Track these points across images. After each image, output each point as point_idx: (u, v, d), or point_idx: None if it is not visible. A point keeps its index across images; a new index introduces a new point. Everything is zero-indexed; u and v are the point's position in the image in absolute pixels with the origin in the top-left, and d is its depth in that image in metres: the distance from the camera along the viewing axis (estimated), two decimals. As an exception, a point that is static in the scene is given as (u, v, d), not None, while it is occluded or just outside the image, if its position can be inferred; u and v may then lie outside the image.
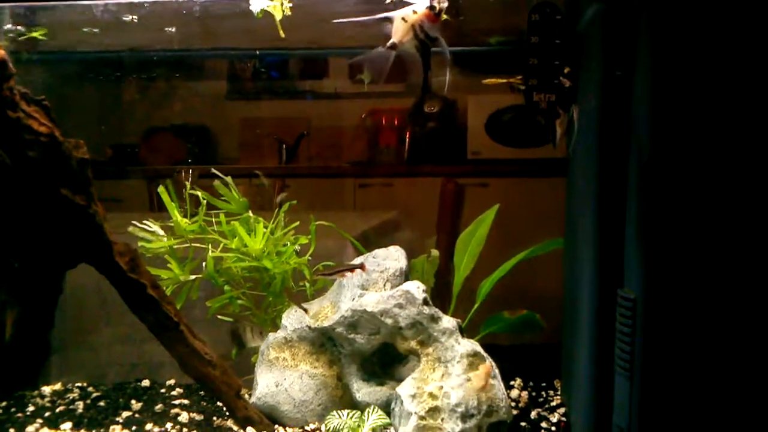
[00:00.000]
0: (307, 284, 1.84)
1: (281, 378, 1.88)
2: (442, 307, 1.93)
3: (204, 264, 1.83)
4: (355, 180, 4.61)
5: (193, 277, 1.78)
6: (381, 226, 3.62)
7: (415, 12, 1.49)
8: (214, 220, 1.86)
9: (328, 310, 1.71)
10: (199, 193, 1.90)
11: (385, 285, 1.65)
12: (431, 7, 1.47)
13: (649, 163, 1.38)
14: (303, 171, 4.78)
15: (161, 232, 1.87)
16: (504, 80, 1.67)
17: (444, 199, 3.44)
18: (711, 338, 1.38)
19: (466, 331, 1.83)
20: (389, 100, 4.80)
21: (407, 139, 4.70)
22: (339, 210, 4.45)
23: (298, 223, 2.05)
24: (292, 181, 4.44)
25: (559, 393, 2.42)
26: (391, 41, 1.50)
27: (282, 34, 1.74)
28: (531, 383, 2.49)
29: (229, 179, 1.90)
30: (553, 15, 1.47)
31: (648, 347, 1.39)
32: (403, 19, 1.50)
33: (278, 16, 1.71)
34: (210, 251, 1.80)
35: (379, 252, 1.76)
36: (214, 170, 1.94)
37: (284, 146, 4.87)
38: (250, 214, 1.81)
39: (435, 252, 1.92)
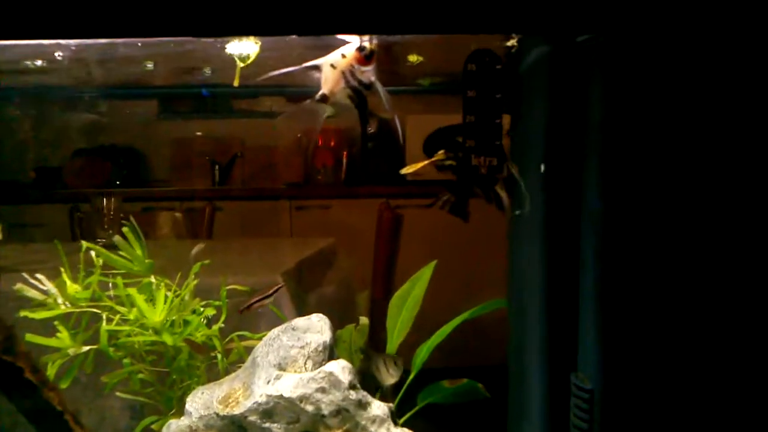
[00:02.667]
0: (219, 356, 1.55)
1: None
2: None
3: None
4: (291, 202, 4.34)
5: (86, 348, 1.46)
6: (317, 256, 3.33)
7: (344, 56, 1.22)
8: (111, 285, 1.55)
9: (239, 393, 1.41)
10: (93, 253, 1.58)
11: (306, 363, 1.36)
12: (361, 48, 1.20)
13: (605, 228, 1.13)
14: (237, 193, 4.49)
15: (54, 291, 1.55)
16: (425, 162, 1.38)
17: (380, 229, 3.18)
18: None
19: (402, 403, 1.56)
20: (325, 120, 4.55)
21: (344, 160, 4.45)
22: (274, 235, 4.17)
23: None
24: (225, 204, 4.14)
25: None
26: (320, 93, 1.22)
27: (237, 83, 1.43)
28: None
29: (130, 237, 1.59)
30: (492, 64, 1.20)
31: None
32: (332, 65, 1.22)
33: (240, 66, 1.41)
34: (104, 322, 1.49)
35: (300, 323, 1.47)
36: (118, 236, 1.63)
37: (217, 167, 4.58)
38: (153, 279, 1.50)
39: (364, 320, 1.65)
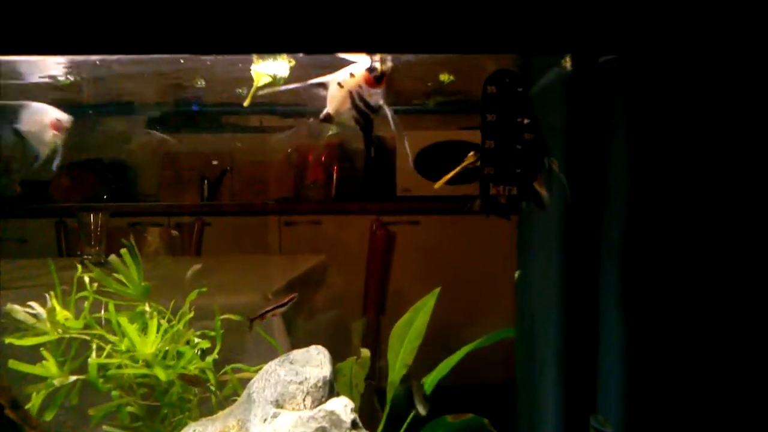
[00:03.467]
0: (213, 389, 1.46)
1: None
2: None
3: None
4: (280, 217, 4.24)
5: (73, 378, 1.38)
6: (308, 274, 3.24)
7: (352, 75, 1.14)
8: (102, 313, 1.47)
9: (234, 432, 1.33)
10: (87, 278, 1.49)
11: (304, 400, 1.28)
12: (371, 69, 1.12)
13: (629, 263, 1.06)
14: (226, 208, 4.40)
15: (44, 315, 1.47)
16: (458, 169, 1.26)
17: (373, 247, 3.10)
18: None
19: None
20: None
21: (335, 176, 4.37)
22: (263, 251, 4.07)
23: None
24: (214, 219, 4.05)
25: None
26: (325, 112, 1.14)
27: (247, 103, 1.34)
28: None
29: (128, 260, 1.51)
30: (513, 86, 1.11)
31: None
32: (339, 84, 1.14)
33: (258, 83, 1.31)
34: (94, 353, 1.41)
35: (298, 356, 1.39)
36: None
37: (206, 182, 4.48)
38: (147, 307, 1.41)
39: (366, 352, 1.56)
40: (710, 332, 1.09)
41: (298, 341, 2.58)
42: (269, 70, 1.31)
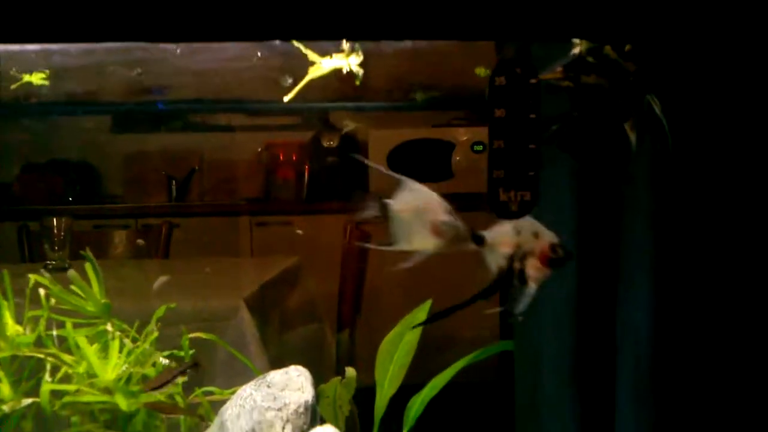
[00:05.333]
0: (182, 417, 1.30)
1: None
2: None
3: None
4: (251, 218, 4.08)
5: (28, 401, 1.21)
6: (281, 276, 3.08)
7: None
8: (55, 331, 1.31)
9: (206, 465, 1.18)
10: (42, 291, 1.33)
11: (284, 428, 1.14)
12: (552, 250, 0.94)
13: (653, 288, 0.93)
14: (195, 209, 4.22)
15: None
16: None
17: (348, 248, 2.95)
18: None
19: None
20: (286, 133, 4.31)
21: (306, 175, 4.21)
22: (234, 253, 3.91)
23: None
24: (183, 221, 3.87)
25: None
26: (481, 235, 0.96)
27: (289, 98, 1.19)
28: None
29: (89, 271, 1.34)
30: (526, 78, 0.96)
31: None
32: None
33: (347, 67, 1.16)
34: (47, 375, 1.24)
35: (276, 378, 1.24)
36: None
37: (174, 182, 4.30)
38: (109, 327, 1.25)
39: (351, 372, 1.41)
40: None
41: (273, 349, 2.43)
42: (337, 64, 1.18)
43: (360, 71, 1.23)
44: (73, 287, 1.35)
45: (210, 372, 1.77)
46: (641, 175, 1.04)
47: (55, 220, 3.00)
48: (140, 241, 3.30)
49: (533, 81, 0.94)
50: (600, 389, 1.07)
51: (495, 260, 0.98)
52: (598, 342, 1.05)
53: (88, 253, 1.36)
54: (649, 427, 0.95)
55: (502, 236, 0.99)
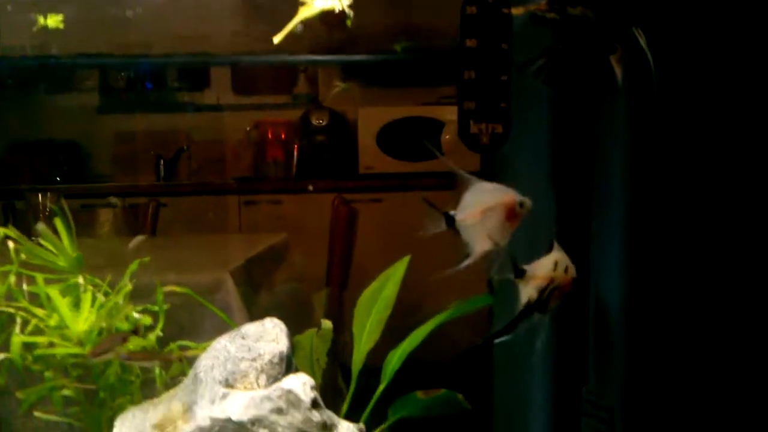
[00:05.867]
0: (157, 370, 1.27)
1: None
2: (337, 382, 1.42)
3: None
4: (240, 197, 4.04)
5: (0, 356, 1.19)
6: (268, 252, 3.06)
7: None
8: (25, 286, 1.28)
9: (178, 416, 1.14)
10: (10, 243, 1.30)
11: (258, 378, 1.11)
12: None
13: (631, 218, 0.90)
14: (183, 188, 4.18)
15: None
16: None
17: (336, 223, 2.93)
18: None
19: (372, 415, 1.32)
20: (275, 111, 4.27)
21: (295, 154, 4.18)
22: (222, 232, 3.88)
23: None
24: (170, 200, 3.83)
25: None
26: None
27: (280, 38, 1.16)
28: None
29: (60, 226, 1.31)
30: (497, 7, 0.93)
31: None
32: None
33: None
34: (18, 328, 1.21)
35: (250, 330, 1.21)
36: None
37: (162, 162, 4.26)
38: (81, 280, 1.22)
39: (327, 324, 1.39)
40: (719, 290, 0.95)
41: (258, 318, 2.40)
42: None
43: (351, 12, 1.20)
44: (42, 241, 1.32)
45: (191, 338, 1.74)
46: (622, 114, 1.02)
47: (40, 196, 2.98)
48: (113, 199, 3.27)
49: (505, 11, 0.91)
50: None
51: (527, 292, 0.96)
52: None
53: (57, 207, 1.33)
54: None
55: (541, 270, 0.97)
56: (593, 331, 0.99)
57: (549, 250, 0.99)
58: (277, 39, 1.27)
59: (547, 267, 0.97)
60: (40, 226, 1.32)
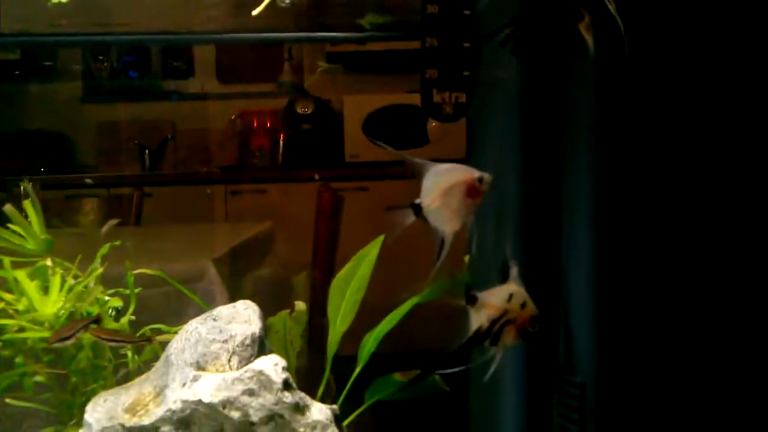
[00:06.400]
0: (129, 355, 1.26)
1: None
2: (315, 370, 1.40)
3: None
4: (226, 186, 4.01)
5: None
6: (252, 240, 3.04)
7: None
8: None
9: (150, 399, 1.13)
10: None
11: (230, 360, 1.09)
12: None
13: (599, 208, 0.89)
14: (168, 178, 4.15)
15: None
16: None
17: (320, 210, 2.91)
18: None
19: (347, 398, 1.30)
20: (260, 100, 4.23)
21: (281, 142, 4.15)
22: (208, 221, 3.85)
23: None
24: (156, 190, 3.81)
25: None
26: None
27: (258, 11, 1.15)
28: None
29: (29, 208, 1.29)
30: None
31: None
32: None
33: None
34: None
35: (222, 312, 1.19)
36: None
37: (147, 151, 4.22)
38: (49, 262, 1.20)
39: (301, 305, 1.37)
40: (688, 269, 0.94)
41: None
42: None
43: None
44: (10, 225, 1.29)
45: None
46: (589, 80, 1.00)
47: (23, 187, 2.95)
48: (88, 180, 3.25)
49: (468, -23, 0.89)
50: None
51: (478, 319, 0.94)
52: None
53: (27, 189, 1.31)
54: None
55: (494, 299, 0.94)
56: (564, 308, 0.98)
57: (504, 273, 0.97)
58: (255, 12, 1.25)
59: (502, 297, 0.95)
60: (7, 207, 1.29)
